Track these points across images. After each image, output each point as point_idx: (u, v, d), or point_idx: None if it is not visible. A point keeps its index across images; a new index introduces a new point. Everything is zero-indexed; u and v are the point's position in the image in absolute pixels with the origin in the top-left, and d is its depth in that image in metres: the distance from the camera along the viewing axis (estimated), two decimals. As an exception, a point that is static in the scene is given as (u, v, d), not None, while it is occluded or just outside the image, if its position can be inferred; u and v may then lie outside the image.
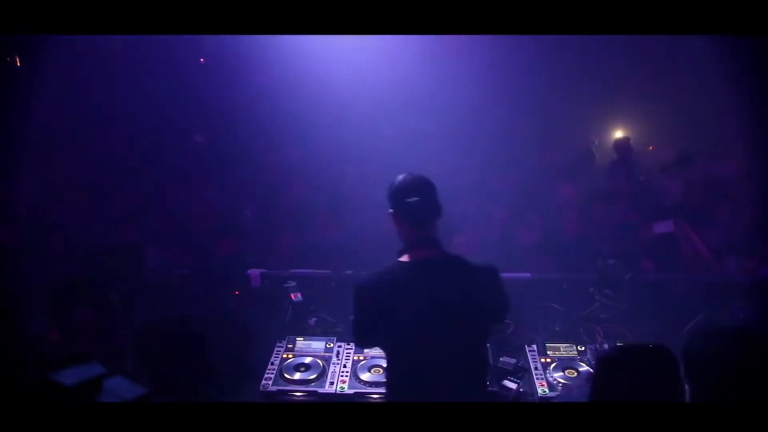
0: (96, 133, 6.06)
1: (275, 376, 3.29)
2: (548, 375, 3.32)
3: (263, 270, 3.99)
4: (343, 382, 3.27)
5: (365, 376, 3.28)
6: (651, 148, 6.90)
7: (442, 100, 5.96)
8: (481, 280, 2.57)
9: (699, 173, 5.51)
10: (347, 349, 3.48)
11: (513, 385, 3.17)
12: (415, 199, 2.53)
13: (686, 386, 2.11)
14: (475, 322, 2.56)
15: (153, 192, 5.37)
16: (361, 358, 3.41)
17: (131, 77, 6.30)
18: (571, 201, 4.99)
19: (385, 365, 2.90)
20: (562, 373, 3.33)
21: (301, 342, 3.55)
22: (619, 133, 6.93)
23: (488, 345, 3.39)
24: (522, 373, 3.26)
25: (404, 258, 2.57)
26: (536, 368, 3.35)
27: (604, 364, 2.18)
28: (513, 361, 3.29)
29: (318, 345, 3.53)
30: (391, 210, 2.61)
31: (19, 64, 6.18)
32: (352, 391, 3.21)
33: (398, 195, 2.57)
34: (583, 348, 3.51)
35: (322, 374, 3.31)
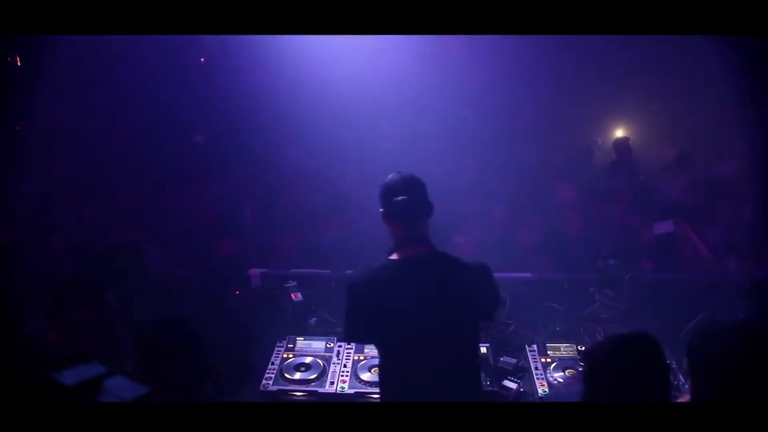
0: (96, 133, 6.05)
1: (275, 376, 3.29)
2: (548, 375, 3.32)
3: (263, 270, 3.99)
4: (344, 382, 3.27)
5: (365, 376, 3.28)
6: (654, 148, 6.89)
7: (442, 100, 5.96)
8: (469, 276, 2.57)
9: (699, 173, 5.51)
10: (347, 349, 3.48)
11: (513, 385, 3.18)
12: (403, 197, 2.53)
13: (688, 382, 2.13)
14: (464, 318, 2.56)
15: (153, 192, 5.37)
16: (362, 358, 3.41)
17: (131, 77, 6.29)
18: (571, 201, 5.00)
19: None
20: (562, 373, 3.32)
21: (301, 342, 3.56)
22: (618, 133, 6.94)
23: (488, 344, 3.42)
24: (522, 373, 3.27)
25: (394, 256, 2.58)
26: (536, 368, 3.35)
27: (589, 357, 2.23)
28: (513, 361, 3.30)
29: (318, 345, 3.54)
30: (381, 209, 2.62)
31: (19, 63, 6.18)
32: (352, 391, 3.22)
33: (387, 194, 2.58)
34: (583, 348, 3.51)
35: (323, 374, 3.32)
